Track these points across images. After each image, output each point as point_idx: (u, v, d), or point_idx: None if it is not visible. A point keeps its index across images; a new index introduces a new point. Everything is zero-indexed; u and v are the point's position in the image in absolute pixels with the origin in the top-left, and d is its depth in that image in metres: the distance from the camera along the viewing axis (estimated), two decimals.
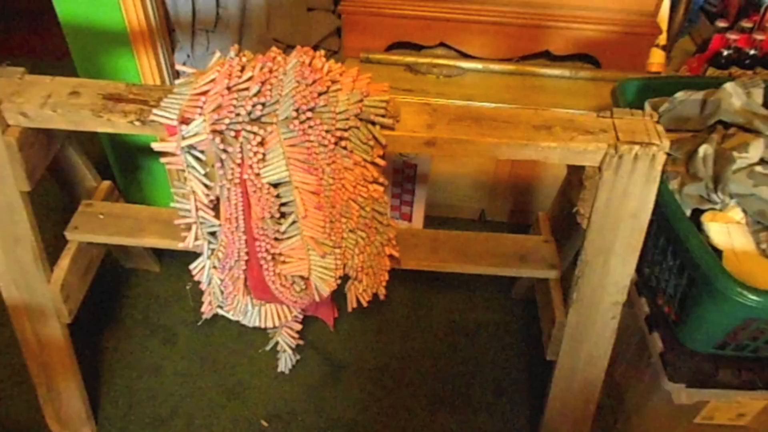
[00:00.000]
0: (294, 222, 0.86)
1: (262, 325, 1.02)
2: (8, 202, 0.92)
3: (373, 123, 0.82)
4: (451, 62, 1.49)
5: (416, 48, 1.53)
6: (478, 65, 1.50)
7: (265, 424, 1.22)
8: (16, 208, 0.93)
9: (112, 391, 1.26)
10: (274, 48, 0.89)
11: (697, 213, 0.95)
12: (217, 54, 0.88)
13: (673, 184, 0.95)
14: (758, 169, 0.92)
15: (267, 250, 0.88)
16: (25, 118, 0.86)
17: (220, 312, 1.03)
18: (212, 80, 0.83)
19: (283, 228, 0.87)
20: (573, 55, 1.51)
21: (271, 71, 0.83)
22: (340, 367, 1.32)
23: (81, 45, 1.21)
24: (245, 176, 0.81)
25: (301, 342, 1.23)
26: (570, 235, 1.08)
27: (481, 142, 0.84)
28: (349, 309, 0.98)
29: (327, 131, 0.79)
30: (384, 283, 0.97)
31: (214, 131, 0.79)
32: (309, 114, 0.78)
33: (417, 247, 1.06)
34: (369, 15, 1.46)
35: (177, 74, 1.39)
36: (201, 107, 0.80)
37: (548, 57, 1.53)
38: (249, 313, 1.00)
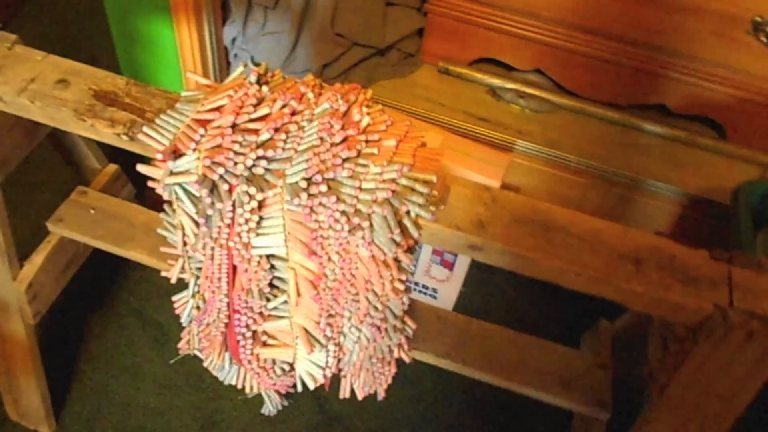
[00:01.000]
0: (285, 302, 0.69)
1: (240, 387, 0.87)
2: None
3: (408, 211, 0.62)
4: (544, 94, 1.25)
5: (507, 68, 1.30)
6: (574, 104, 1.25)
7: None
8: None
9: (86, 387, 1.15)
10: (308, 77, 0.70)
11: None
12: (240, 68, 0.70)
13: None
14: None
15: (247, 326, 0.71)
16: (2, 103, 0.71)
17: (198, 355, 0.89)
18: (220, 107, 0.65)
19: (271, 305, 0.70)
20: (693, 116, 1.24)
21: (293, 113, 0.65)
22: (333, 419, 1.17)
23: (116, 3, 1.05)
24: (231, 243, 0.64)
25: (292, 390, 1.08)
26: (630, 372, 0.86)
27: (542, 264, 0.63)
28: (341, 396, 0.81)
29: (342, 212, 0.60)
30: (385, 385, 0.79)
31: (205, 177, 0.62)
32: (323, 188, 0.59)
33: (440, 336, 0.87)
34: (459, 21, 1.23)
35: (225, 52, 1.22)
36: (197, 142, 0.63)
37: (662, 112, 1.27)
38: (225, 371, 0.85)
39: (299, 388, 0.80)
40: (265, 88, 0.66)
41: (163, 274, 0.82)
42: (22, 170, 1.45)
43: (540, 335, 0.89)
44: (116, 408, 1.13)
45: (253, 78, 0.67)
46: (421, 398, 1.21)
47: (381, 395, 0.80)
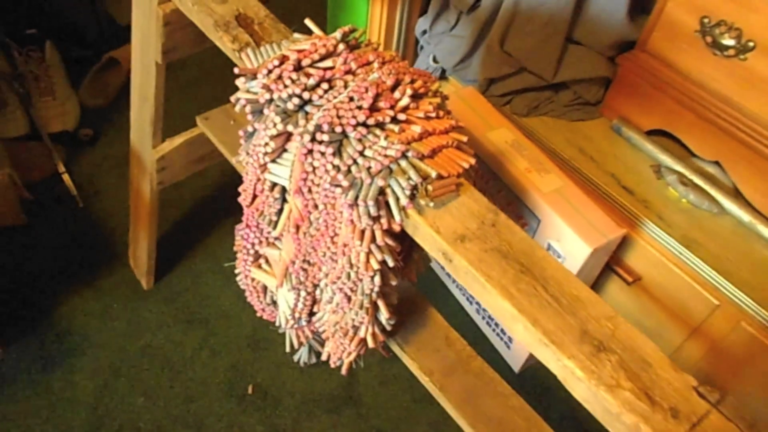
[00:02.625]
0: (280, 237, 0.74)
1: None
2: (147, 64, 0.99)
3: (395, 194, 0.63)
4: (710, 190, 1.09)
5: (687, 151, 1.16)
6: (745, 216, 1.07)
7: (251, 391, 1.18)
8: (150, 73, 0.99)
9: (188, 269, 1.35)
10: (390, 52, 0.74)
11: None
12: (339, 33, 0.76)
13: None
14: None
15: (252, 244, 0.78)
16: (179, 0, 0.88)
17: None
18: (301, 50, 0.72)
19: (274, 233, 0.76)
20: None
21: (348, 71, 0.69)
22: (351, 398, 1.19)
23: None
24: (250, 161, 0.71)
25: (321, 349, 1.13)
26: None
27: (497, 301, 0.58)
28: (323, 357, 0.84)
29: (335, 166, 0.63)
30: (348, 361, 0.79)
31: (254, 101, 0.70)
32: (326, 137, 0.63)
33: (436, 353, 0.84)
34: (649, 83, 1.13)
35: (415, 41, 1.30)
36: (270, 71, 0.71)
37: None
38: (249, 292, 0.93)
39: (278, 324, 0.84)
40: (341, 47, 0.72)
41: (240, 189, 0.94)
42: (200, 74, 1.74)
43: None
44: (198, 296, 1.30)
45: (339, 35, 0.73)
46: (445, 424, 1.17)
47: (344, 370, 0.80)
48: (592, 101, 1.22)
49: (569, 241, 0.98)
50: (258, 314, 0.89)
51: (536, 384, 1.24)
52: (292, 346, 1.08)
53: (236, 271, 0.93)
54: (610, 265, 1.11)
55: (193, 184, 1.49)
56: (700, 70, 1.06)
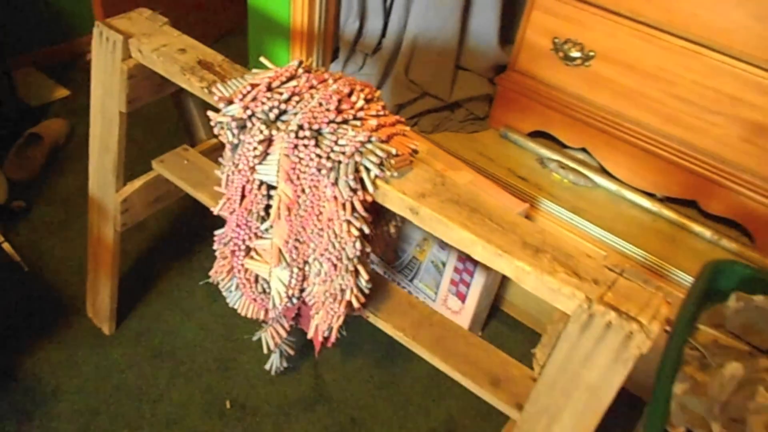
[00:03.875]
0: (272, 226, 0.89)
1: (241, 312, 1.06)
2: (110, 116, 1.10)
3: (367, 169, 0.81)
4: (582, 169, 1.37)
5: (561, 145, 1.44)
6: (612, 186, 1.36)
7: (228, 406, 1.26)
8: (113, 123, 1.11)
9: (146, 311, 1.41)
10: (336, 72, 0.93)
11: None
12: (295, 62, 0.95)
13: (678, 388, 0.76)
14: None
15: (243, 240, 0.92)
16: (141, 55, 1.03)
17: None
18: (267, 77, 0.89)
19: (263, 227, 0.90)
20: (724, 218, 1.28)
21: (311, 87, 0.87)
22: (322, 397, 1.30)
23: (256, 25, 1.39)
24: (241, 166, 0.86)
25: (291, 352, 1.24)
26: None
27: (459, 233, 0.77)
28: (309, 336, 0.97)
29: (318, 155, 0.80)
30: (337, 326, 0.94)
31: (239, 119, 0.86)
32: (307, 133, 0.80)
33: (403, 315, 1.00)
34: (522, 95, 1.41)
35: None
36: (244, 95, 0.88)
37: (696, 209, 1.32)
38: (233, 294, 1.05)
39: (271, 307, 0.97)
40: (300, 70, 0.90)
41: (212, 209, 1.07)
42: (152, 121, 1.89)
43: None
44: (161, 333, 1.37)
45: (296, 63, 0.91)
46: (408, 402, 1.31)
47: (332, 337, 0.94)
48: (481, 116, 1.48)
49: None
50: (249, 306, 1.01)
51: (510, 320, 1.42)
52: (268, 348, 1.19)
53: (219, 278, 1.04)
54: None
55: (138, 235, 1.56)
56: (559, 79, 1.35)
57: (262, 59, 0.99)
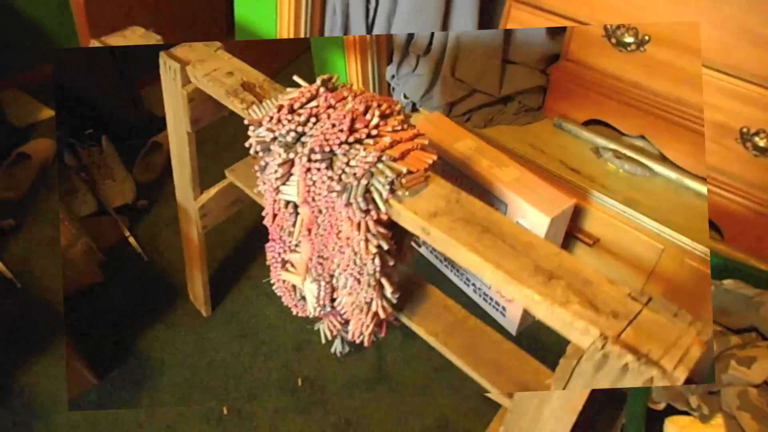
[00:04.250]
0: (300, 241, 0.80)
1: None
2: (181, 135, 1.06)
3: (378, 189, 0.68)
4: (639, 157, 1.14)
5: (619, 133, 1.21)
6: (672, 174, 1.11)
7: (300, 383, 1.22)
8: (184, 141, 1.07)
9: (238, 295, 1.40)
10: (357, 87, 0.80)
11: (671, 411, 0.57)
12: (318, 80, 0.83)
13: None
14: (752, 393, 0.50)
15: (279, 254, 0.84)
16: (196, 80, 0.96)
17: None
18: (289, 99, 0.79)
19: (294, 242, 0.82)
20: None
21: (329, 107, 0.76)
22: (383, 377, 1.22)
23: (318, 45, 1.28)
24: (267, 186, 0.77)
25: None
26: None
27: (467, 256, 0.63)
28: (350, 337, 0.89)
29: (330, 178, 0.69)
30: (368, 333, 0.84)
31: (263, 141, 0.77)
32: (318, 156, 0.69)
33: (437, 319, 0.88)
34: (576, 84, 1.19)
35: (387, 85, 1.37)
36: (270, 118, 0.78)
37: None
38: (282, 293, 0.99)
39: (309, 314, 0.89)
40: (322, 89, 0.79)
41: (264, 221, 1.00)
42: (220, 135, 1.83)
43: None
44: (248, 315, 1.36)
45: (319, 82, 0.80)
46: (463, 385, 1.19)
47: (366, 341, 0.85)
48: (534, 107, 1.28)
49: (531, 216, 1.03)
50: (292, 311, 0.94)
51: (533, 342, 1.26)
52: (326, 338, 1.13)
53: (271, 282, 0.98)
54: (572, 233, 1.15)
55: (231, 228, 1.56)
56: (613, 65, 1.12)
57: (295, 78, 0.89)
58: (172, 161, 1.16)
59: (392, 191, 0.68)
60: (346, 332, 1.16)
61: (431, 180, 0.72)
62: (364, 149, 0.70)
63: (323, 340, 1.11)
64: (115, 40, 1.01)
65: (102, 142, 1.69)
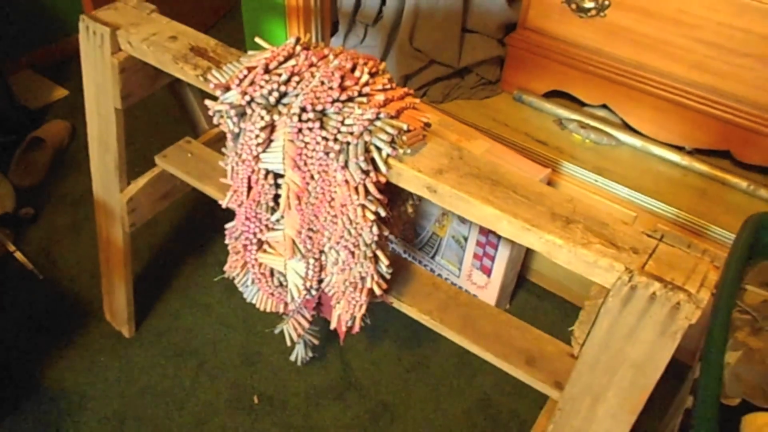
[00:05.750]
0: (283, 217, 0.84)
1: (259, 307, 1.03)
2: (106, 114, 1.06)
3: (378, 148, 0.75)
4: (604, 126, 1.31)
5: (580, 103, 1.37)
6: (637, 142, 1.29)
7: (256, 401, 1.24)
8: (110, 121, 1.06)
9: (164, 310, 1.39)
10: (337, 47, 0.87)
11: (749, 407, 0.70)
12: (292, 39, 0.89)
13: (731, 356, 0.71)
14: None
15: (254, 234, 0.88)
16: (130, 47, 0.98)
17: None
18: (264, 58, 0.84)
19: (273, 218, 0.86)
20: (760, 167, 1.21)
21: (311, 65, 0.82)
22: (352, 384, 1.27)
23: (249, 5, 1.33)
24: (244, 156, 0.81)
25: (316, 341, 1.21)
26: None
27: (482, 209, 0.72)
28: (331, 327, 0.94)
29: (324, 138, 0.75)
30: (360, 315, 0.90)
31: (238, 105, 0.81)
32: (311, 115, 0.75)
33: (428, 297, 0.96)
34: (535, 54, 1.34)
35: None
36: (241, 80, 0.82)
37: (729, 159, 1.25)
38: (249, 289, 1.01)
39: (289, 301, 0.93)
40: (298, 48, 0.84)
41: (220, 202, 1.02)
42: (153, 113, 1.85)
43: None
44: (181, 331, 1.35)
45: (293, 40, 0.85)
46: (440, 382, 1.27)
47: (356, 327, 0.91)
48: (492, 80, 1.41)
49: None
50: (267, 301, 0.97)
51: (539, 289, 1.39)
52: (291, 340, 1.16)
53: (234, 274, 1.01)
54: None
55: (148, 232, 1.53)
56: (573, 33, 1.28)
57: (257, 40, 0.93)
58: (90, 147, 1.14)
59: (394, 149, 0.75)
60: (312, 334, 1.21)
61: (428, 138, 0.80)
62: (359, 107, 0.76)
63: (288, 342, 1.15)
64: (106, 14, 1.01)
65: None
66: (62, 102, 1.94)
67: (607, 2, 1.19)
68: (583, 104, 1.36)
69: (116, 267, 1.25)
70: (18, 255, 1.45)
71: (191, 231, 1.56)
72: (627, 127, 1.31)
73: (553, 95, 1.39)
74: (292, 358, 1.26)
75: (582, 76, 1.31)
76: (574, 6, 1.23)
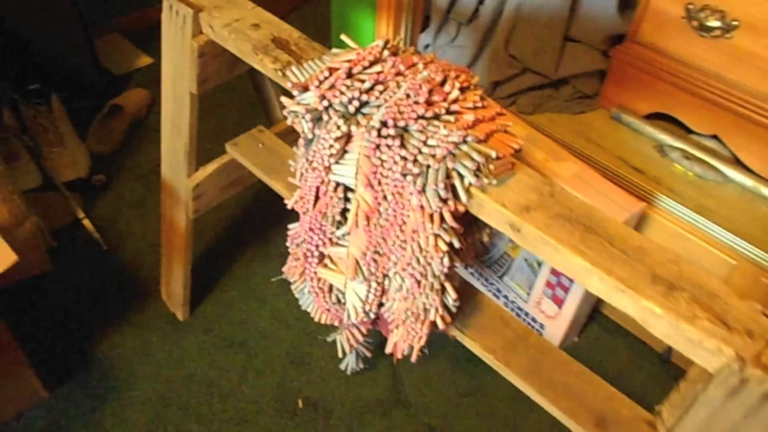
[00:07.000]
0: (348, 233, 0.79)
1: (314, 318, 0.98)
2: (181, 96, 1.04)
3: (462, 175, 0.68)
4: (712, 161, 1.18)
5: (685, 130, 1.25)
6: (747, 181, 1.16)
7: (301, 405, 1.21)
8: (184, 104, 1.04)
9: (220, 297, 1.38)
10: (429, 54, 0.80)
11: None
12: (380, 42, 0.83)
13: None
14: None
15: (317, 246, 0.83)
16: (212, 31, 0.94)
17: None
18: (348, 61, 0.78)
19: (339, 233, 0.81)
20: None
21: (398, 74, 0.75)
22: (400, 402, 1.22)
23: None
24: (315, 164, 0.76)
25: (369, 354, 1.16)
26: None
27: (570, 259, 0.64)
28: (387, 351, 0.88)
29: (402, 157, 0.69)
30: (419, 346, 0.83)
31: (314, 109, 0.76)
32: (391, 131, 0.69)
33: (495, 333, 0.89)
34: (642, 71, 1.22)
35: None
36: (321, 82, 0.77)
37: None
38: (305, 297, 0.97)
39: (345, 319, 0.89)
40: (386, 53, 0.78)
41: (286, 202, 0.98)
42: (232, 94, 1.84)
43: None
44: (234, 322, 1.33)
45: (381, 43, 0.79)
46: (493, 414, 1.20)
47: (414, 356, 0.85)
48: (590, 94, 1.30)
49: None
50: (321, 315, 0.93)
51: (580, 360, 1.29)
52: (344, 352, 1.12)
53: (291, 279, 0.97)
54: None
55: (214, 216, 1.53)
56: (690, 52, 1.15)
57: (343, 37, 0.88)
58: (162, 127, 1.13)
59: (477, 179, 0.68)
60: (366, 345, 1.16)
61: (517, 168, 0.72)
62: (444, 126, 0.70)
63: (339, 353, 1.11)
64: None
65: (51, 102, 1.62)
66: (146, 69, 1.95)
67: (735, 23, 1.06)
68: (690, 131, 1.24)
69: (177, 251, 1.24)
70: (86, 222, 1.47)
71: (257, 218, 1.54)
72: (738, 163, 1.18)
73: (656, 117, 1.27)
74: (342, 366, 1.22)
75: (693, 101, 1.18)
76: (695, 23, 1.11)
